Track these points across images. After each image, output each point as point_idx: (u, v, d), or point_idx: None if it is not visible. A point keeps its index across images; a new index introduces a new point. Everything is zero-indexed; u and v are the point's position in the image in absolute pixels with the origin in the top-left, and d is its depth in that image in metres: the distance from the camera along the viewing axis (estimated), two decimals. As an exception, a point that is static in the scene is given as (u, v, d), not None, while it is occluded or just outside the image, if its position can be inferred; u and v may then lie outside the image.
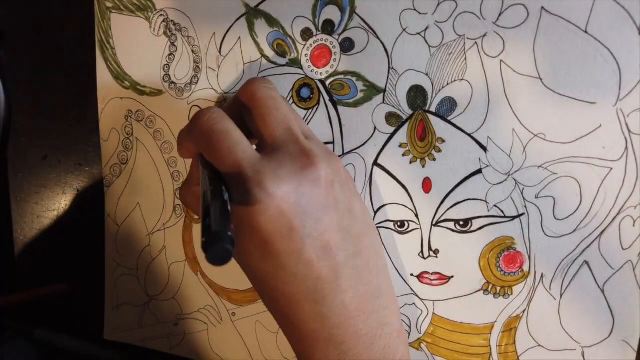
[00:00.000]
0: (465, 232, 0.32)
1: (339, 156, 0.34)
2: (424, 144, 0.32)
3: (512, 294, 0.32)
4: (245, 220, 0.25)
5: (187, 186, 0.32)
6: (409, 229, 0.33)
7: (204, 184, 0.27)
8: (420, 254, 0.33)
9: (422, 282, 0.34)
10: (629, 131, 0.29)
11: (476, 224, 0.32)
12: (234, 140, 0.26)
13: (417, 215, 0.33)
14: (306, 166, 0.26)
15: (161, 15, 0.37)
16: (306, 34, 0.34)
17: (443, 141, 0.32)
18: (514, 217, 0.31)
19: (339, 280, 0.26)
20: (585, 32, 0.28)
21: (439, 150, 0.32)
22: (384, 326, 0.28)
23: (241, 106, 0.30)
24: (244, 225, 0.26)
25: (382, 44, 0.32)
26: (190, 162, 0.32)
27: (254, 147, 0.28)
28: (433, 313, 0.34)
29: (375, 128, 0.33)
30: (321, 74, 0.34)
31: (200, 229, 0.38)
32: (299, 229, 0.25)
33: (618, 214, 0.30)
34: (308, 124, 0.35)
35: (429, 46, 0.31)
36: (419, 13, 0.31)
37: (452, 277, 0.33)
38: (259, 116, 0.28)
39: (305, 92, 0.34)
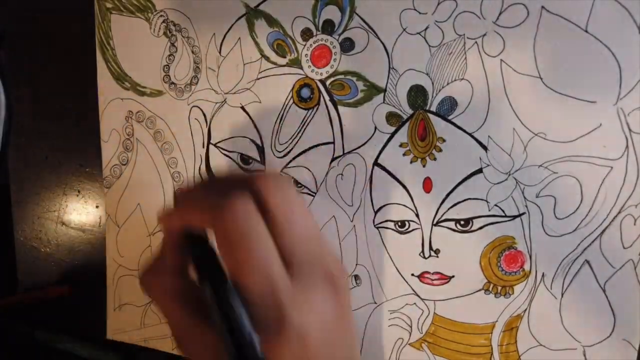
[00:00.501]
0: (466, 231, 0.32)
1: (339, 156, 0.34)
2: (424, 144, 0.32)
3: (513, 293, 0.32)
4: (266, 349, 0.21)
5: (152, 274, 0.25)
6: (410, 229, 0.33)
7: (222, 295, 0.21)
8: (421, 254, 0.33)
9: (423, 281, 0.34)
10: (630, 130, 0.29)
11: (477, 223, 0.32)
12: (268, 256, 0.22)
13: (417, 215, 0.33)
14: (333, 294, 0.23)
15: (161, 16, 0.37)
16: (306, 34, 0.34)
17: (443, 141, 0.32)
18: (514, 217, 0.31)
19: None
20: (586, 31, 0.28)
21: (440, 150, 0.32)
22: None
23: (256, 195, 0.23)
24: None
25: (382, 43, 0.32)
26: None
27: None
28: (434, 313, 0.34)
29: (375, 128, 0.33)
30: (321, 74, 0.34)
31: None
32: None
33: (619, 212, 0.30)
34: (308, 124, 0.35)
35: (429, 46, 0.31)
36: (419, 13, 0.31)
37: (453, 276, 0.33)
38: (286, 234, 0.23)
39: (305, 92, 0.34)
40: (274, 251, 0.22)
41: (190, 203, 0.24)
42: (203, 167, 0.38)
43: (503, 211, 0.31)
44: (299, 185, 0.35)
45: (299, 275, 0.23)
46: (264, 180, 0.23)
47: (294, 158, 0.35)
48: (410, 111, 0.32)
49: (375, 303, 0.35)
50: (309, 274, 0.23)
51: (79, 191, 0.43)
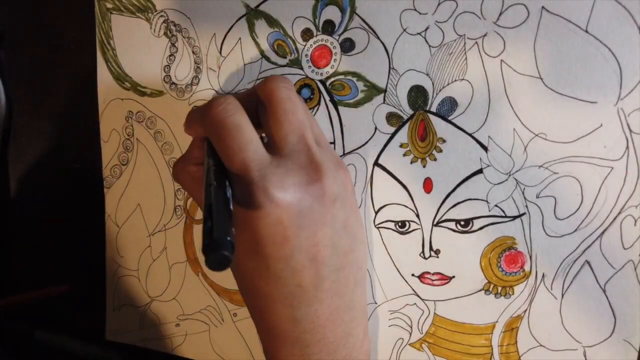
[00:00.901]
0: (466, 232, 0.32)
1: (340, 156, 0.34)
2: (424, 144, 0.32)
3: (513, 293, 0.32)
4: (242, 219, 0.26)
5: (182, 163, 0.31)
6: (410, 229, 0.33)
7: (208, 175, 0.27)
8: (422, 254, 0.33)
9: (423, 282, 0.34)
10: (630, 130, 0.29)
11: (477, 223, 0.32)
12: (246, 138, 0.26)
13: (418, 215, 0.33)
14: (313, 180, 0.26)
15: (161, 16, 0.37)
16: (306, 34, 0.34)
17: (444, 141, 0.32)
18: (515, 217, 0.31)
19: (317, 291, 0.27)
20: (586, 31, 0.28)
21: (440, 150, 0.32)
22: (349, 336, 0.29)
23: (257, 100, 0.30)
24: (240, 222, 0.26)
25: (383, 44, 0.32)
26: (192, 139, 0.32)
27: (263, 141, 0.28)
28: (434, 313, 0.34)
29: (375, 128, 0.33)
30: (321, 74, 0.34)
31: (200, 229, 0.38)
32: (292, 239, 0.26)
33: (619, 213, 0.30)
34: (309, 124, 0.35)
35: (430, 46, 0.31)
36: (419, 13, 0.31)
37: (453, 277, 0.33)
38: (274, 117, 0.28)
39: (305, 93, 0.34)
40: (250, 135, 0.26)
41: (195, 111, 0.30)
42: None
43: (503, 211, 0.31)
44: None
45: (281, 159, 0.27)
46: (263, 82, 0.29)
47: (294, 158, 0.35)
48: (411, 111, 0.32)
49: (376, 303, 0.35)
50: (293, 161, 0.27)
51: (78, 191, 0.43)
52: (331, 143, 0.34)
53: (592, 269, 0.30)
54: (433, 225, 0.33)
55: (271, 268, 0.26)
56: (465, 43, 0.30)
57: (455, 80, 0.31)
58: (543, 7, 0.29)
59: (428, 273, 0.33)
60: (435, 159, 0.32)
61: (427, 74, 0.32)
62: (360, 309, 0.30)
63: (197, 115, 0.29)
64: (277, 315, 0.28)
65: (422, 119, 0.32)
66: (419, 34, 0.31)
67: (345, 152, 0.34)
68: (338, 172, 0.28)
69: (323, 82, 0.34)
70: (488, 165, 0.31)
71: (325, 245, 0.27)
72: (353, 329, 0.29)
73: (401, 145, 0.33)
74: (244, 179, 0.26)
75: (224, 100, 0.27)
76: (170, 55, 0.37)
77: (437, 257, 0.33)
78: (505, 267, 0.32)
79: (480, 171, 0.31)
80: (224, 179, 0.26)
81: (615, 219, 0.30)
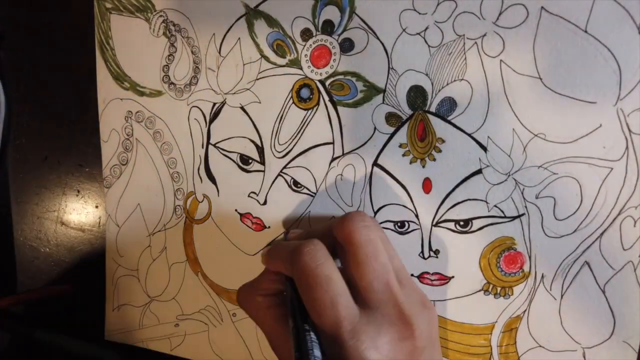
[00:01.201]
0: (466, 232, 0.32)
1: (339, 157, 0.34)
2: (424, 144, 0.32)
3: (512, 294, 0.32)
4: None
5: (249, 291, 0.31)
6: (409, 229, 0.33)
7: (295, 319, 0.26)
8: (421, 254, 0.33)
9: (422, 282, 0.34)
10: (630, 131, 0.29)
11: (476, 224, 0.32)
12: (338, 292, 0.25)
13: (417, 216, 0.33)
14: (405, 338, 0.26)
15: (161, 16, 0.37)
16: (306, 34, 0.34)
17: (443, 141, 0.32)
18: (514, 217, 0.31)
19: None
20: (585, 31, 0.28)
21: (439, 151, 0.32)
22: None
23: (335, 242, 0.29)
24: None
25: (382, 44, 0.32)
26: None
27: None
28: (433, 313, 0.34)
29: (375, 128, 0.33)
30: (321, 74, 0.34)
31: (200, 231, 0.38)
32: None
33: (619, 214, 0.29)
34: (308, 124, 0.35)
35: (429, 46, 0.31)
36: (419, 13, 0.31)
37: (453, 277, 0.33)
38: (356, 263, 0.27)
39: (305, 93, 0.34)
40: (341, 288, 0.25)
41: (280, 250, 0.29)
42: (202, 167, 0.38)
43: (502, 212, 0.31)
44: (299, 185, 0.35)
45: (370, 312, 0.26)
46: (341, 223, 0.28)
47: (293, 158, 0.35)
48: (410, 112, 0.32)
49: (375, 304, 0.35)
50: (382, 315, 0.26)
51: (78, 191, 0.43)
52: (330, 143, 0.34)
53: (591, 269, 0.30)
54: (432, 225, 0.33)
55: None
56: (464, 43, 0.30)
57: (455, 81, 0.31)
58: (542, 8, 0.29)
59: (427, 273, 0.33)
60: (434, 159, 0.32)
61: (427, 74, 0.32)
62: None
63: (284, 255, 0.28)
64: None
65: (421, 119, 0.32)
66: (419, 34, 0.31)
67: (345, 152, 0.34)
68: (424, 316, 0.27)
69: (322, 82, 0.34)
70: (487, 166, 0.31)
71: None
72: None
73: (400, 146, 0.33)
74: (335, 337, 0.25)
75: (314, 246, 0.27)
76: (169, 55, 0.37)
77: (437, 257, 0.33)
78: (504, 267, 0.32)
79: (479, 171, 0.31)
80: (309, 331, 0.25)
81: (614, 219, 0.30)
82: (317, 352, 0.24)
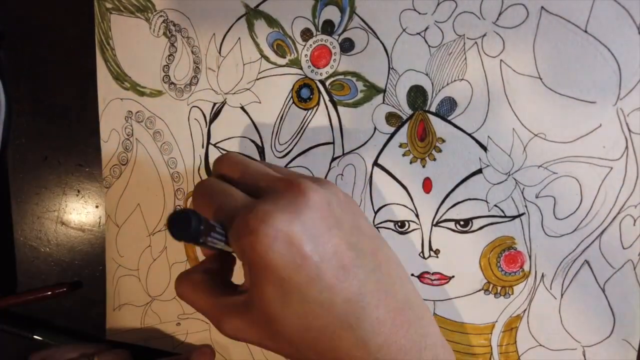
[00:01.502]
0: (466, 232, 0.32)
1: (339, 156, 0.34)
2: (424, 144, 0.32)
3: (512, 293, 0.32)
4: (256, 264, 0.24)
5: (186, 274, 0.29)
6: (410, 229, 0.33)
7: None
8: (421, 254, 0.33)
9: (422, 282, 0.34)
10: (629, 130, 0.29)
11: (477, 223, 0.32)
12: (226, 192, 0.26)
13: (417, 215, 0.33)
14: (298, 195, 0.25)
15: (161, 16, 0.37)
16: (306, 34, 0.34)
17: (443, 141, 0.32)
18: (514, 217, 0.31)
19: (365, 297, 0.24)
20: (585, 31, 0.28)
21: (439, 150, 0.32)
22: (426, 337, 0.26)
23: (222, 177, 0.29)
24: (257, 270, 0.24)
25: (382, 44, 0.32)
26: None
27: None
28: (434, 313, 0.34)
29: (375, 128, 0.33)
30: (321, 74, 0.34)
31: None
32: (310, 255, 0.24)
33: (618, 213, 0.30)
34: (308, 124, 0.35)
35: (429, 46, 0.31)
36: (419, 13, 0.31)
37: (453, 277, 0.33)
38: (236, 177, 0.28)
39: (305, 93, 0.34)
40: (232, 191, 0.26)
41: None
42: (202, 167, 0.38)
43: (503, 211, 0.31)
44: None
45: (262, 197, 0.26)
46: (215, 161, 0.29)
47: (293, 158, 0.35)
48: (410, 111, 0.32)
49: (375, 303, 0.35)
50: (272, 192, 0.26)
51: (78, 191, 0.43)
52: (330, 143, 0.34)
53: (591, 268, 0.30)
54: (432, 225, 0.33)
55: (309, 297, 0.24)
56: (464, 43, 0.30)
57: (455, 80, 0.31)
58: (542, 7, 0.29)
59: (427, 273, 0.33)
60: (434, 159, 0.32)
61: (427, 74, 0.32)
62: (422, 307, 0.28)
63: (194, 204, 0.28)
64: (344, 344, 0.24)
65: (421, 119, 0.32)
66: (419, 34, 0.31)
67: (345, 152, 0.34)
68: (320, 182, 0.27)
69: (322, 82, 0.34)
70: (487, 165, 0.31)
71: (346, 249, 0.25)
72: (424, 327, 0.26)
73: (400, 145, 0.33)
74: (240, 222, 0.24)
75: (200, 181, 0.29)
76: (169, 55, 0.37)
77: (437, 257, 0.33)
78: (504, 267, 0.32)
79: (479, 171, 0.31)
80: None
81: (614, 218, 0.30)
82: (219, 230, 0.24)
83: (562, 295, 0.31)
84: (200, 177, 0.39)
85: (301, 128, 0.35)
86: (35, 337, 0.43)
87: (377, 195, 0.34)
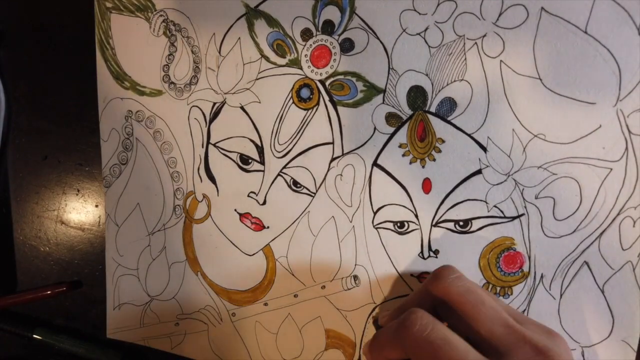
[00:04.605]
0: (465, 232, 0.32)
1: (339, 157, 0.34)
2: (423, 145, 0.32)
3: (512, 294, 0.32)
4: None
5: (378, 349, 0.28)
6: (409, 230, 0.33)
7: None
8: (420, 255, 0.33)
9: (422, 282, 0.34)
10: (629, 132, 0.29)
11: (476, 224, 0.32)
12: (461, 349, 0.24)
13: (416, 216, 0.33)
14: None
15: (161, 15, 0.37)
16: (306, 34, 0.34)
17: (443, 141, 0.32)
18: (513, 218, 0.31)
19: None
20: (585, 32, 0.28)
21: (439, 151, 0.32)
22: None
23: (433, 300, 0.28)
24: None
25: (382, 44, 0.32)
26: None
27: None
28: (433, 313, 0.34)
29: (375, 128, 0.33)
30: (321, 74, 0.34)
31: (199, 230, 0.38)
32: None
33: (618, 214, 0.30)
34: (308, 124, 0.35)
35: (429, 46, 0.31)
36: (419, 13, 0.31)
37: (452, 277, 0.33)
38: (467, 315, 0.26)
39: (305, 93, 0.34)
40: (463, 344, 0.24)
41: (382, 337, 0.28)
42: (202, 167, 0.38)
43: (502, 212, 0.31)
44: (298, 185, 0.35)
45: (507, 357, 0.24)
46: (434, 280, 0.27)
47: (293, 158, 0.35)
48: (410, 112, 0.32)
49: (375, 303, 0.35)
50: (518, 353, 0.24)
51: (78, 190, 0.43)
52: (330, 143, 0.34)
53: (590, 269, 0.30)
54: (432, 225, 0.33)
55: None
56: (464, 43, 0.30)
57: (455, 81, 0.31)
58: (542, 8, 0.29)
59: (427, 273, 0.33)
60: (434, 160, 0.32)
61: (427, 75, 0.32)
62: None
63: (389, 339, 0.27)
64: None
65: (421, 119, 0.32)
66: (419, 34, 0.31)
67: (344, 152, 0.34)
68: (557, 343, 0.25)
69: (322, 82, 0.34)
70: (487, 166, 0.31)
71: None
72: None
73: (400, 146, 0.33)
74: None
75: (416, 317, 0.25)
76: (169, 55, 0.37)
77: (436, 257, 0.33)
78: (504, 267, 0.32)
79: (479, 172, 0.31)
80: None
81: (614, 220, 0.30)
82: None
83: (561, 295, 0.31)
84: (200, 177, 0.38)
85: (301, 128, 0.35)
86: (35, 336, 0.43)
87: (376, 195, 0.34)
